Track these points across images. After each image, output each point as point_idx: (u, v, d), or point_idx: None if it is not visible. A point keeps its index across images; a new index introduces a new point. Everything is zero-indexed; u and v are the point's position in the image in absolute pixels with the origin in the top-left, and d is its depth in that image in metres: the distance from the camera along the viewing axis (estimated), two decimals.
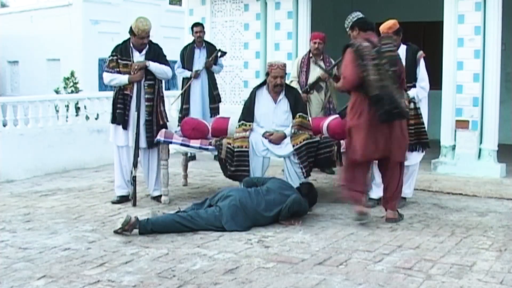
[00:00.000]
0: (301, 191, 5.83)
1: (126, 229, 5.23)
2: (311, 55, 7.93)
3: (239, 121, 6.51)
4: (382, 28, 6.21)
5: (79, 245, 5.01)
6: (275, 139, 6.28)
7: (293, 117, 6.42)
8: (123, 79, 6.43)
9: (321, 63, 7.53)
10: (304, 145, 6.20)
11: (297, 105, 6.48)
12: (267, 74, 6.44)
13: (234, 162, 6.25)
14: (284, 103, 6.47)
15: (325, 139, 6.31)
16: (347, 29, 5.79)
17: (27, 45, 19.54)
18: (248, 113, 6.49)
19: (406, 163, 5.86)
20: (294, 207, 5.56)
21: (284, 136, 6.32)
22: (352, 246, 4.97)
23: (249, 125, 6.42)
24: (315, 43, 7.80)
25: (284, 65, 6.44)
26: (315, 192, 6.04)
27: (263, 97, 6.50)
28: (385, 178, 5.77)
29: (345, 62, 5.46)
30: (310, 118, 6.77)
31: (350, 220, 5.79)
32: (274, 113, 6.44)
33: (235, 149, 6.25)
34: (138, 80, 6.42)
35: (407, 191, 6.32)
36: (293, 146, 6.22)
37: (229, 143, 6.29)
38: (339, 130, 6.37)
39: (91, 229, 5.53)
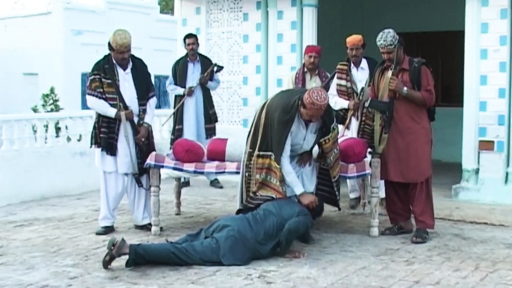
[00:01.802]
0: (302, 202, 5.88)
1: (113, 254, 5.22)
2: (305, 69, 8.04)
3: (268, 149, 5.92)
4: (353, 40, 7.56)
5: (58, 281, 5.02)
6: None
7: (323, 136, 6.06)
8: (109, 112, 6.50)
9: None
10: (339, 176, 6.29)
11: (330, 123, 6.08)
12: (303, 104, 5.80)
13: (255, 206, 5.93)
14: (314, 125, 6.08)
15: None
16: (390, 47, 6.23)
17: (0, 58, 19.65)
18: (280, 145, 5.89)
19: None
20: (292, 237, 5.62)
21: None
22: (364, 282, 4.99)
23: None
24: (310, 57, 7.88)
25: (326, 104, 5.85)
26: (320, 200, 6.06)
27: (295, 125, 5.96)
28: (410, 197, 6.49)
29: (430, 80, 6.32)
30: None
31: (361, 253, 5.82)
32: (305, 141, 6.09)
33: (262, 196, 5.93)
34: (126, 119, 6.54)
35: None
36: (334, 177, 6.22)
37: (254, 192, 5.97)
38: (351, 153, 6.43)
39: (73, 263, 5.54)
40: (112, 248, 5.23)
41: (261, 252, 5.56)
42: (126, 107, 6.52)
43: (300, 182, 6.02)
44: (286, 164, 5.93)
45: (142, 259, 5.29)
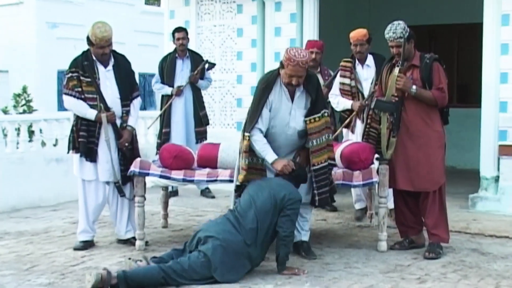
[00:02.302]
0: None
1: None
2: None
3: (246, 130, 6.01)
4: (357, 35, 7.61)
5: None
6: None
7: (307, 115, 6.00)
8: (89, 113, 6.50)
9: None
10: (326, 166, 6.07)
11: (317, 102, 6.03)
12: (282, 65, 5.87)
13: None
14: (302, 99, 6.04)
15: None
16: (400, 40, 6.21)
17: None
18: (256, 113, 5.94)
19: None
20: (289, 241, 5.63)
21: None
22: None
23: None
24: (312, 52, 7.88)
25: (307, 62, 5.84)
26: (299, 166, 6.02)
27: (276, 94, 5.98)
28: (422, 208, 6.48)
29: (442, 78, 6.32)
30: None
31: (368, 269, 5.84)
32: (291, 116, 6.01)
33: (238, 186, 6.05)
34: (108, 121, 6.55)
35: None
36: (313, 165, 6.01)
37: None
38: (357, 159, 6.45)
39: (48, 282, 5.55)
40: (99, 285, 5.15)
41: (253, 256, 5.54)
42: (107, 109, 6.54)
43: (271, 149, 5.97)
44: (256, 133, 5.94)
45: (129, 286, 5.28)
